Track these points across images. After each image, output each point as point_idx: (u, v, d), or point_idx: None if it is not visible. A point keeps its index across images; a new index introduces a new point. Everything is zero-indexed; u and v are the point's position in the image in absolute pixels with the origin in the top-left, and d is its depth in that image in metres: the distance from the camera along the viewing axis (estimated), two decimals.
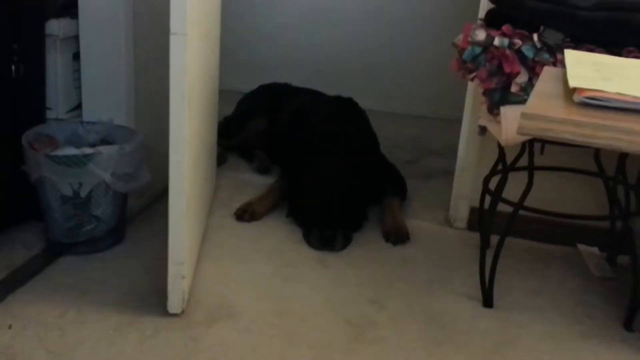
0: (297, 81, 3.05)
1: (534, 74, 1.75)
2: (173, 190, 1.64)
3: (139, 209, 2.24)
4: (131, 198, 2.12)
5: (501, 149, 1.97)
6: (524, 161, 1.91)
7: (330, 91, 2.83)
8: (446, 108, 3.46)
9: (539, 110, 1.21)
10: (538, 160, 1.87)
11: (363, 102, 2.69)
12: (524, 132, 1.18)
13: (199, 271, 1.94)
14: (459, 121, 2.35)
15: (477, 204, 2.22)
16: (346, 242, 2.14)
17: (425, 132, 3.38)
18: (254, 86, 3.02)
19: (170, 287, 1.69)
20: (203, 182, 2.07)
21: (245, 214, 2.26)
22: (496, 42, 1.76)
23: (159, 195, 2.24)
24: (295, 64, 3.71)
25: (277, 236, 2.18)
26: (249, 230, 2.21)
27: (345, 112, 2.55)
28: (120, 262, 1.95)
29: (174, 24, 1.51)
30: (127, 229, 2.11)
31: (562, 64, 1.67)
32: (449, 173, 2.49)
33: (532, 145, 1.83)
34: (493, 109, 1.83)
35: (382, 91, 3.69)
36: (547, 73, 1.60)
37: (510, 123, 1.76)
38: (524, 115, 1.21)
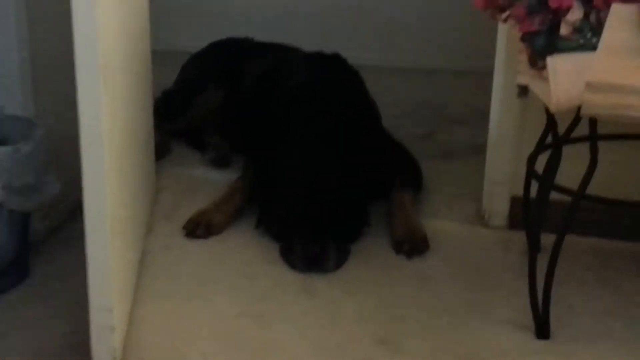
0: (262, 34, 3.03)
1: (592, 8, 1.70)
2: (90, 208, 1.63)
3: (47, 232, 2.23)
4: (35, 218, 2.11)
5: (550, 115, 1.92)
6: (580, 130, 1.84)
7: (309, 45, 2.82)
8: (470, 58, 3.46)
9: (611, 77, 1.11)
10: (600, 127, 1.82)
11: (354, 57, 2.68)
12: (592, 111, 1.09)
13: (136, 315, 1.92)
14: (488, 75, 2.34)
15: (520, 192, 2.17)
16: (341, 259, 2.14)
17: (443, 93, 3.37)
18: (203, 44, 3.01)
19: (94, 345, 1.69)
20: (136, 185, 2.07)
21: (199, 228, 2.25)
22: None
23: (74, 210, 2.22)
24: (259, 10, 3.69)
25: (244, 256, 2.17)
26: (205, 250, 2.20)
27: (330, 75, 2.55)
28: (24, 308, 1.95)
29: None
30: (32, 261, 2.10)
31: None
32: (478, 149, 2.51)
33: None
34: (537, 61, 1.78)
35: (380, 39, 3.68)
36: (617, 14, 1.53)
37: (562, 79, 1.72)
38: (590, 87, 1.11)
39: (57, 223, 2.25)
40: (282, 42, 2.94)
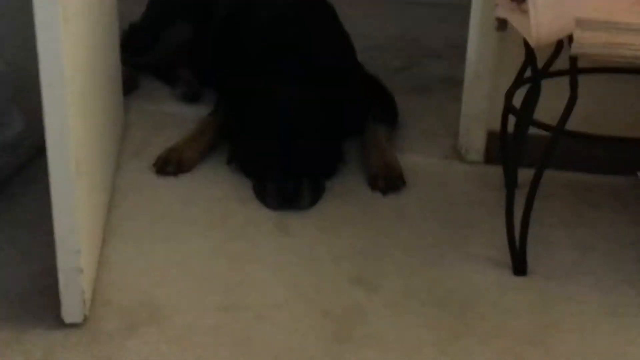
0: None
1: None
2: (53, 147, 1.58)
3: (12, 171, 2.18)
4: None
5: (529, 49, 1.91)
6: (559, 64, 1.86)
7: None
8: None
9: (603, 14, 1.06)
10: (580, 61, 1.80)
11: None
12: (582, 49, 1.04)
13: (105, 257, 1.92)
14: (464, 7, 2.33)
15: (497, 127, 2.19)
16: (316, 196, 2.14)
17: (419, 25, 3.37)
18: None
19: (63, 287, 1.66)
20: (102, 123, 2.03)
21: (169, 165, 2.24)
22: None
23: (41, 147, 2.14)
24: None
25: (216, 194, 2.17)
26: (176, 188, 2.20)
27: (304, 8, 2.52)
28: None
29: None
30: None
31: None
32: (455, 83, 2.55)
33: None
34: None
35: None
36: None
37: (543, 12, 1.69)
38: (580, 24, 1.06)
39: (23, 160, 2.21)
40: None
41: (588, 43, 1.07)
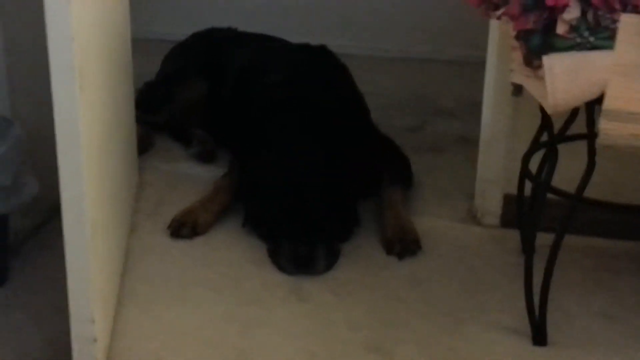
0: (245, 21, 3.02)
1: (589, 6, 1.66)
2: (68, 216, 1.58)
3: (27, 233, 2.19)
4: (14, 218, 2.07)
5: (545, 114, 1.89)
6: (577, 126, 1.84)
7: (294, 33, 2.84)
8: (459, 45, 3.45)
9: (628, 103, 1.04)
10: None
11: (341, 45, 2.74)
12: (609, 141, 1.03)
13: (119, 322, 1.89)
14: (479, 65, 2.32)
15: (513, 189, 2.16)
16: (331, 260, 2.11)
17: (432, 83, 3.36)
18: (184, 31, 2.99)
19: (76, 356, 1.65)
20: (117, 186, 2.03)
21: (184, 228, 2.22)
22: None
23: (55, 209, 2.14)
24: (242, 1, 3.66)
25: (231, 257, 2.15)
26: (190, 250, 2.17)
27: (317, 68, 2.54)
28: (3, 315, 1.92)
29: None
30: (11, 265, 2.06)
31: None
32: (469, 143, 2.55)
33: (592, 108, 1.73)
34: (532, 60, 1.74)
35: (368, 27, 3.65)
36: (628, 28, 1.45)
37: (559, 79, 1.68)
38: (606, 115, 1.05)
39: (37, 222, 2.22)
40: (267, 31, 2.92)
41: (615, 135, 1.05)
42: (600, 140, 1.06)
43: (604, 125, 1.06)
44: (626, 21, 1.52)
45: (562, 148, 1.87)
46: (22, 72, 2.14)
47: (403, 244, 2.16)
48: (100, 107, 1.78)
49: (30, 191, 1.98)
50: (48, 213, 2.21)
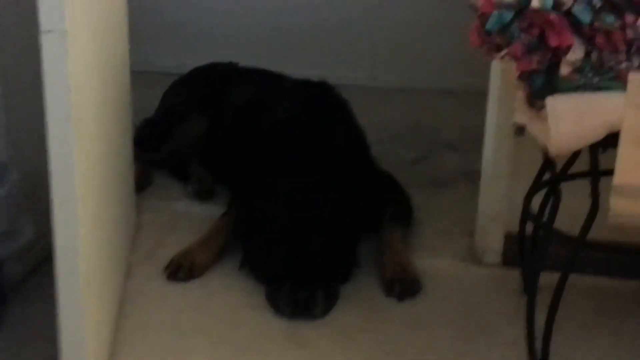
0: (245, 54, 3.06)
1: (593, 47, 1.65)
2: (61, 266, 1.57)
3: (22, 277, 2.16)
4: (8, 263, 2.06)
5: (548, 155, 1.87)
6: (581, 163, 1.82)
7: (294, 65, 2.89)
8: (460, 76, 3.47)
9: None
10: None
11: (341, 77, 2.77)
12: (620, 219, 0.98)
13: None
14: (480, 95, 2.32)
15: (515, 228, 2.14)
16: (330, 303, 2.09)
17: (433, 114, 3.38)
18: (186, 67, 3.00)
19: None
20: (114, 231, 2.01)
21: (181, 270, 2.20)
22: (534, 2, 1.67)
23: (50, 254, 2.12)
24: (242, 30, 3.65)
25: (228, 301, 2.12)
26: (187, 293, 2.14)
27: (316, 107, 2.52)
28: None
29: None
30: (7, 309, 2.04)
31: (633, 30, 1.59)
32: (470, 176, 2.55)
33: (597, 150, 1.72)
34: (535, 101, 1.73)
35: (367, 58, 3.70)
36: (638, 85, 1.40)
37: (563, 121, 1.67)
38: (618, 191, 1.00)
39: (32, 266, 2.19)
40: (267, 62, 2.94)
41: (627, 212, 1.00)
42: (611, 219, 1.01)
43: (616, 203, 1.00)
44: (635, 80, 1.48)
45: (564, 185, 1.86)
46: (20, 116, 2.15)
47: (403, 285, 2.14)
48: (97, 156, 1.77)
49: (25, 236, 1.99)
50: (43, 256, 2.16)
